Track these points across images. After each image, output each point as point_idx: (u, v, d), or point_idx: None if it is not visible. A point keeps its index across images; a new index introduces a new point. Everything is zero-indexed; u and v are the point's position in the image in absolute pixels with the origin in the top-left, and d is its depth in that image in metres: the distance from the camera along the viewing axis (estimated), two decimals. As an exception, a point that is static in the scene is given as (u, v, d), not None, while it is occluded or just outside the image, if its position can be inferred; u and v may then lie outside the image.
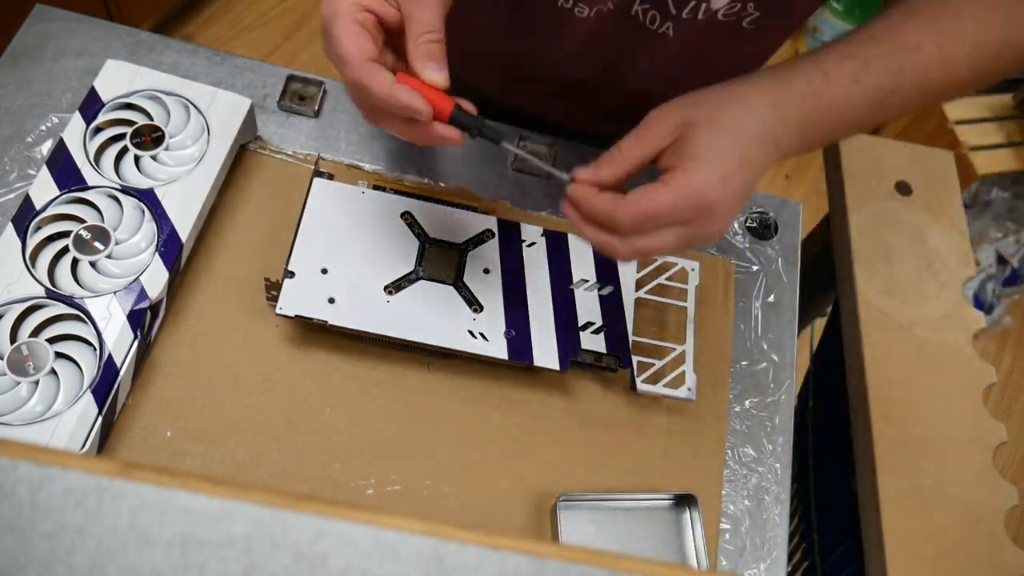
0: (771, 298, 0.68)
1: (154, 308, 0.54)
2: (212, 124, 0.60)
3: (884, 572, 0.58)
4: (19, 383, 0.50)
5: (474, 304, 0.58)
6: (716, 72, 0.64)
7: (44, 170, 0.56)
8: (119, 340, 0.52)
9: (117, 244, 0.55)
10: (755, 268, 0.69)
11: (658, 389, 0.58)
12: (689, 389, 0.59)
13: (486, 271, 0.59)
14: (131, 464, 0.19)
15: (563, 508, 0.56)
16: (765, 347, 0.66)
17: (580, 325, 0.59)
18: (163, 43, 0.68)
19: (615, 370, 0.60)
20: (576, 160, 0.71)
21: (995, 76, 0.51)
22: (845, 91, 0.47)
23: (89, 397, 0.50)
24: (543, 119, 0.76)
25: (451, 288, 0.58)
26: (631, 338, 0.59)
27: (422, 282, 0.58)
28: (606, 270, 0.61)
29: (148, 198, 0.57)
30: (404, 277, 0.58)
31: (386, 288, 0.57)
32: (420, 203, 0.61)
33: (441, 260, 0.59)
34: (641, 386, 0.58)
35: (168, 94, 0.61)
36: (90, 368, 0.51)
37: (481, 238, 0.61)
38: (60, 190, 0.56)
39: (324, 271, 0.57)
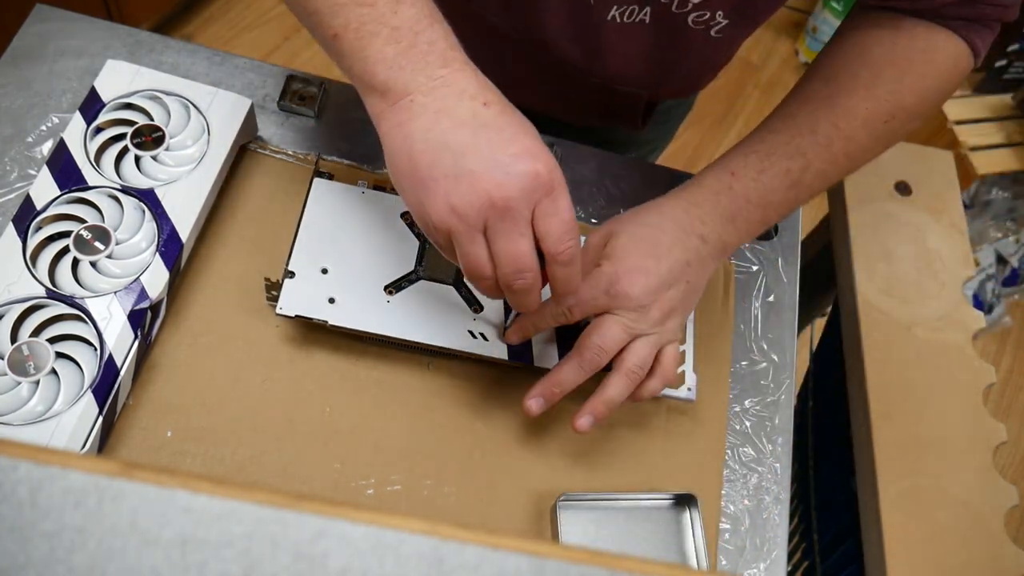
0: (771, 298, 0.68)
1: (154, 308, 0.55)
2: (212, 124, 0.60)
3: (884, 572, 0.58)
4: (19, 383, 0.50)
5: (474, 304, 0.58)
6: (688, 70, 0.65)
7: (44, 170, 0.56)
8: (119, 340, 0.52)
9: (117, 244, 0.55)
10: (755, 268, 0.69)
11: None
12: (689, 389, 0.59)
13: None
14: (131, 464, 0.19)
15: (563, 508, 0.56)
16: (765, 347, 0.66)
17: (580, 325, 0.59)
18: (163, 43, 0.68)
19: None
20: (576, 160, 0.71)
21: (896, 135, 0.57)
22: (754, 181, 0.54)
23: (89, 397, 0.50)
24: (543, 114, 0.76)
25: (451, 288, 0.58)
26: None
27: (422, 282, 0.58)
28: None
29: (148, 198, 0.57)
30: (404, 277, 0.58)
31: (386, 288, 0.57)
32: None
33: (441, 260, 0.59)
34: None
35: (168, 94, 0.61)
36: (90, 368, 0.51)
37: None
38: (60, 190, 0.56)
39: (324, 271, 0.57)
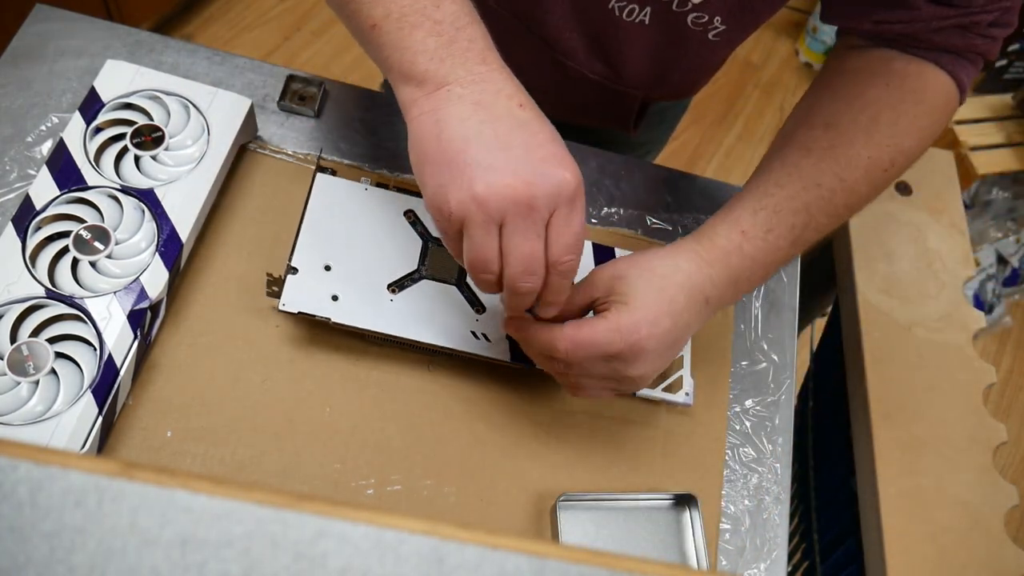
0: (771, 298, 0.68)
1: (154, 308, 0.54)
2: (212, 124, 0.60)
3: (884, 572, 0.58)
4: (19, 383, 0.50)
5: (476, 305, 0.58)
6: (685, 71, 0.65)
7: (44, 170, 0.56)
8: (119, 340, 0.52)
9: (117, 244, 0.55)
10: (755, 268, 0.69)
11: (656, 394, 0.58)
12: (687, 394, 0.59)
13: None
14: (131, 464, 0.19)
15: (563, 508, 0.56)
16: (765, 347, 0.66)
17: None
18: (163, 43, 0.68)
19: None
20: (576, 160, 0.71)
21: (890, 182, 0.56)
22: (763, 241, 0.53)
23: (89, 397, 0.50)
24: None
25: (454, 288, 0.58)
26: None
27: (425, 281, 0.58)
28: None
29: (148, 198, 0.57)
30: (407, 276, 0.58)
31: (389, 287, 0.57)
32: (421, 201, 0.61)
33: (444, 259, 0.59)
34: (639, 392, 0.58)
35: (168, 94, 0.61)
36: (90, 368, 0.51)
37: None
38: (60, 190, 0.56)
39: (327, 268, 0.56)
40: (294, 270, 0.56)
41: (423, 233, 0.60)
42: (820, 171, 0.54)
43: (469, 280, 0.59)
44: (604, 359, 0.49)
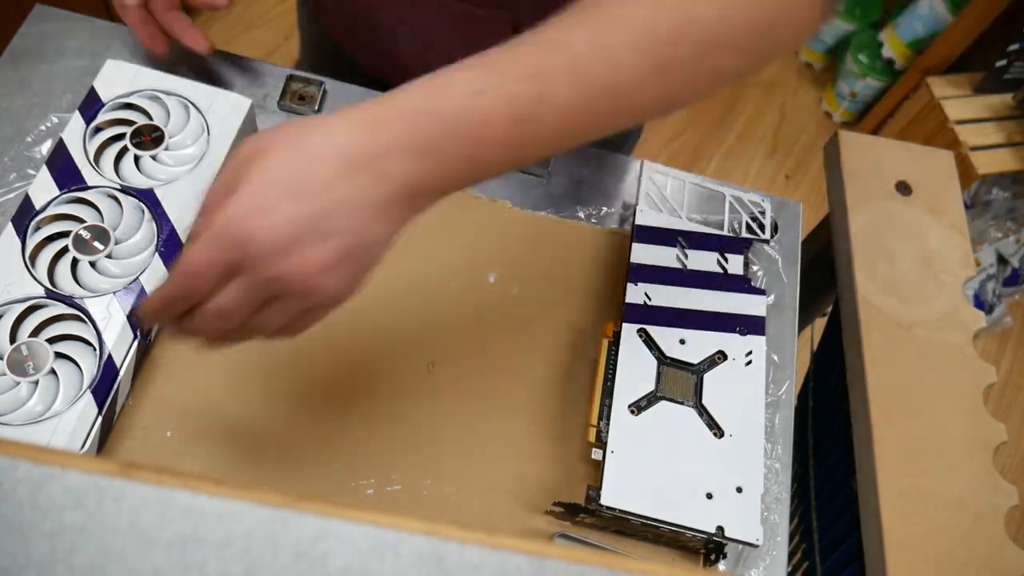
0: (771, 298, 0.68)
1: (154, 308, 0.54)
2: (212, 124, 0.60)
3: (884, 572, 0.58)
4: (19, 383, 0.50)
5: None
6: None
7: (44, 170, 0.56)
8: (119, 340, 0.52)
9: (117, 244, 0.55)
10: (755, 268, 0.69)
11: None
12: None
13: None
14: (131, 464, 0.19)
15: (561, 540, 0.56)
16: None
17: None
18: (163, 43, 0.68)
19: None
20: (576, 160, 0.71)
21: (690, 68, 0.41)
22: (465, 103, 0.38)
23: (89, 397, 0.50)
24: None
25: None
26: None
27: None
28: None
29: (148, 198, 0.57)
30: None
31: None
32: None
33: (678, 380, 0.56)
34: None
35: (168, 94, 0.61)
36: (90, 368, 0.51)
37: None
38: (60, 190, 0.56)
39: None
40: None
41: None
42: (568, 33, 0.40)
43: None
44: (230, 278, 0.38)
